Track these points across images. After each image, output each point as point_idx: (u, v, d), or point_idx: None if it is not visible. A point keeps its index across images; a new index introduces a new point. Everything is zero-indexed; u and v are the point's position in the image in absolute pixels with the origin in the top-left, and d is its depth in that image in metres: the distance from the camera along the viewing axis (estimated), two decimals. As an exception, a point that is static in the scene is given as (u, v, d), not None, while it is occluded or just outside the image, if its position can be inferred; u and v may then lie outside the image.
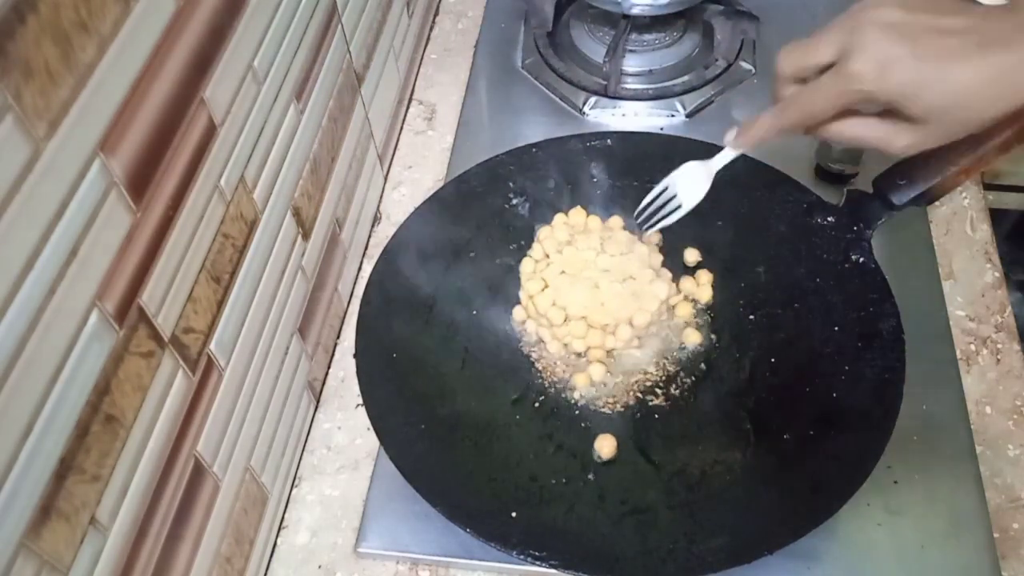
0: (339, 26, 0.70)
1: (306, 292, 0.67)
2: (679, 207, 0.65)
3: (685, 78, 0.92)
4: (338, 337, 0.77)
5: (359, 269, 0.81)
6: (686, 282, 0.73)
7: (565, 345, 0.70)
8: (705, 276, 0.74)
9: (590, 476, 0.63)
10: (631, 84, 0.92)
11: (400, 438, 0.61)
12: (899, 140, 0.49)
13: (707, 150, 0.75)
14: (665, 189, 0.66)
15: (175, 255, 0.47)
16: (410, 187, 0.88)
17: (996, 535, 0.62)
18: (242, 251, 0.55)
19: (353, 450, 0.70)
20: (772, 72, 0.53)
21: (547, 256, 0.74)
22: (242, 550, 0.60)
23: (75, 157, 0.38)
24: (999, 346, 0.73)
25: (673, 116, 0.90)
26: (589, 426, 0.67)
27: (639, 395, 0.68)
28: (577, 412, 0.67)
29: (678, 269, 0.75)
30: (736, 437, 0.65)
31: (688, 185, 0.64)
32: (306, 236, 0.66)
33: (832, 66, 0.49)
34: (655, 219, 0.67)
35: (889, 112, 0.49)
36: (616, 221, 0.76)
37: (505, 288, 0.74)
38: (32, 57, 0.34)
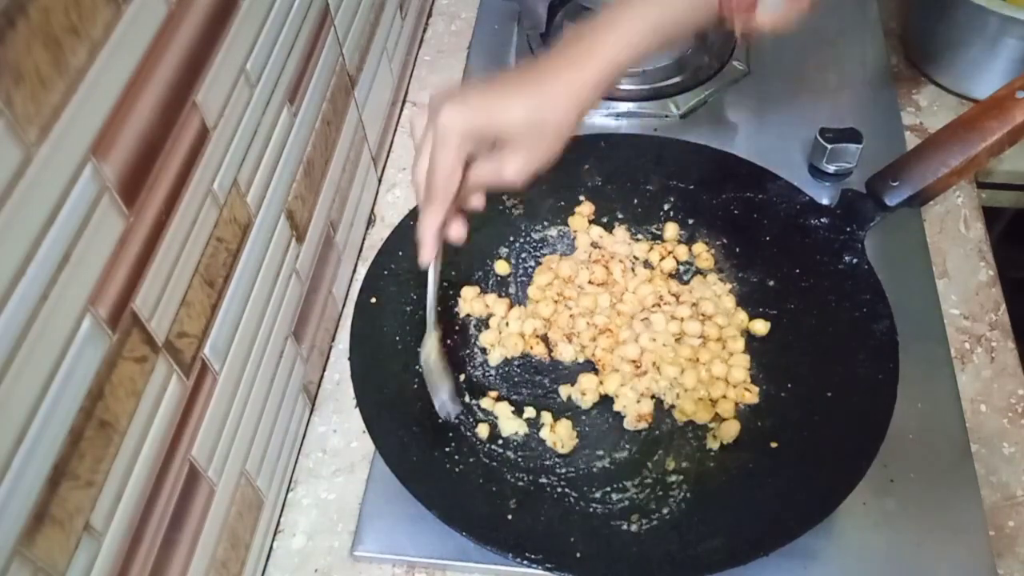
0: (332, 28, 0.70)
1: (300, 295, 0.67)
2: None
3: (678, 79, 0.92)
4: (333, 340, 0.77)
5: (354, 271, 0.81)
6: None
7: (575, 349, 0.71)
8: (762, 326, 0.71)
9: (586, 478, 0.63)
10: (624, 84, 0.92)
11: (395, 441, 0.61)
12: (508, 166, 0.54)
13: (700, 151, 0.76)
14: None
15: (168, 259, 0.47)
16: (404, 189, 0.88)
17: (992, 533, 0.62)
18: (236, 255, 0.55)
19: (348, 453, 0.70)
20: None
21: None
22: (238, 554, 0.60)
23: (67, 162, 0.38)
24: (993, 344, 0.73)
25: (667, 117, 0.90)
26: (588, 427, 0.67)
27: (635, 396, 0.68)
28: (575, 412, 0.67)
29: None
30: (732, 437, 0.65)
31: None
32: (300, 239, 0.66)
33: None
34: None
35: (496, 149, 0.54)
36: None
37: (498, 290, 0.74)
38: (23, 62, 0.34)
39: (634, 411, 0.65)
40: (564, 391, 0.68)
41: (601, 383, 0.67)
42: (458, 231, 0.58)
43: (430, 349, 0.64)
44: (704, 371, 0.67)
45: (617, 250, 0.75)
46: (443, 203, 0.55)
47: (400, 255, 0.71)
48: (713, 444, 0.65)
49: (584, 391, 0.67)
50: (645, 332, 0.69)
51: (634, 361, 0.68)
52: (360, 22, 0.77)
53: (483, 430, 0.66)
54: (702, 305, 0.71)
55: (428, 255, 0.58)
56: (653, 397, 0.67)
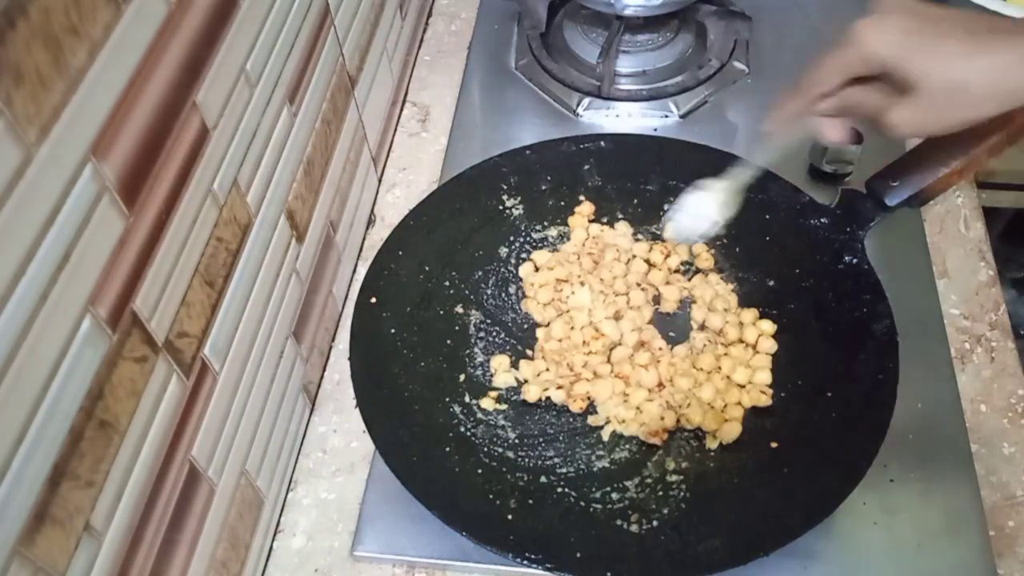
0: (332, 28, 0.70)
1: (300, 295, 0.67)
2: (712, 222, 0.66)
3: (678, 79, 0.92)
4: (333, 340, 0.77)
5: (354, 271, 0.81)
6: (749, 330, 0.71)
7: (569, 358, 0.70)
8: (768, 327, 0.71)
9: (586, 478, 0.63)
10: (625, 85, 0.92)
11: (395, 441, 0.61)
12: (895, 112, 0.50)
13: (701, 152, 0.76)
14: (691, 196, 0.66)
15: (168, 259, 0.47)
16: (404, 189, 0.88)
17: (992, 533, 0.62)
18: (236, 255, 0.55)
19: (348, 453, 0.70)
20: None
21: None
22: (238, 554, 0.60)
23: (67, 162, 0.38)
24: (993, 344, 0.73)
25: (667, 117, 0.90)
26: (587, 427, 0.67)
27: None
28: (574, 413, 0.67)
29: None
30: (732, 439, 0.65)
31: (711, 204, 0.65)
32: (300, 239, 0.66)
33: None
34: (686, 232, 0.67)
35: (890, 86, 0.50)
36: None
37: (499, 289, 0.74)
38: (23, 62, 0.34)
39: (658, 426, 0.65)
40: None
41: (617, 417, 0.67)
42: (832, 130, 0.55)
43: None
44: (720, 379, 0.67)
45: (619, 243, 0.75)
46: (802, 97, 0.53)
47: (400, 255, 0.71)
48: (712, 444, 0.65)
49: (603, 420, 0.66)
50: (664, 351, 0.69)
51: (657, 385, 0.67)
52: (360, 22, 0.77)
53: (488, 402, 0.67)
54: (714, 303, 0.71)
55: (771, 124, 0.56)
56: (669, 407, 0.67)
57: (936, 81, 0.47)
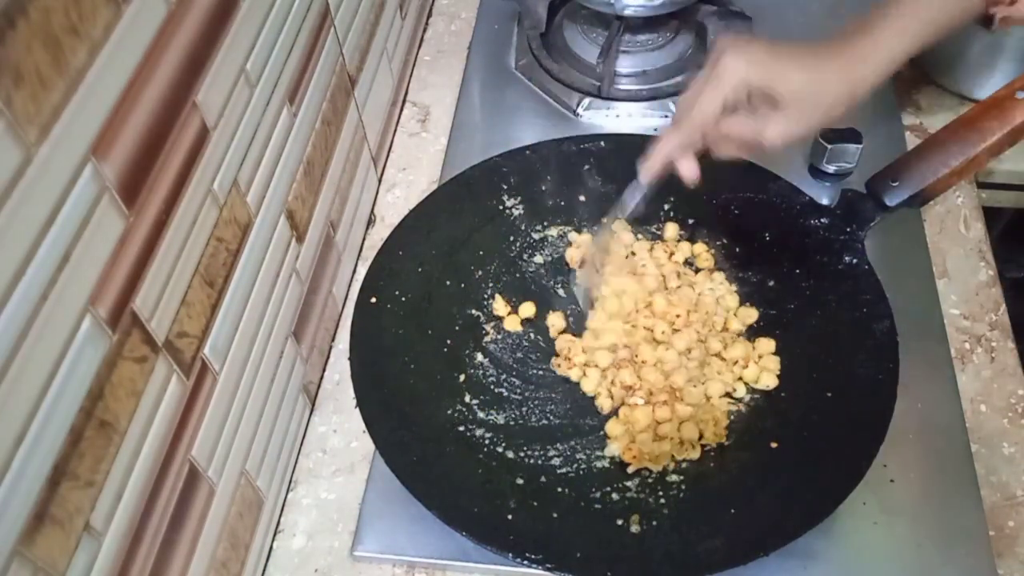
0: (332, 28, 0.70)
1: (300, 295, 0.67)
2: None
3: (678, 79, 0.92)
4: (333, 340, 0.77)
5: (354, 271, 0.81)
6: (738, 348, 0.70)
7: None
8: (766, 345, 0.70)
9: (586, 478, 0.63)
10: (624, 85, 0.92)
11: (395, 441, 0.61)
12: (770, 128, 0.57)
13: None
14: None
15: (168, 259, 0.47)
16: (404, 189, 0.88)
17: (992, 533, 0.62)
18: (236, 255, 0.55)
19: (348, 453, 0.70)
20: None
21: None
22: (238, 554, 0.60)
23: (67, 162, 0.38)
24: (993, 344, 0.73)
25: (667, 117, 0.90)
26: (587, 427, 0.67)
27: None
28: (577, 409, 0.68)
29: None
30: (732, 439, 0.65)
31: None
32: (300, 239, 0.66)
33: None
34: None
35: (760, 108, 0.57)
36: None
37: (498, 290, 0.74)
38: (23, 62, 0.34)
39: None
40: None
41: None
42: (689, 168, 0.60)
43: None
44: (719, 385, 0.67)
45: (623, 238, 0.76)
46: (688, 130, 0.58)
47: (400, 255, 0.71)
48: (712, 443, 0.65)
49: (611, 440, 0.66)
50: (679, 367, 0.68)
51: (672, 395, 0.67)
52: (360, 22, 0.77)
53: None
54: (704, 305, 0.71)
55: (649, 173, 0.61)
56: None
57: (798, 92, 0.56)
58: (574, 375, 0.69)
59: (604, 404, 0.67)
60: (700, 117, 0.57)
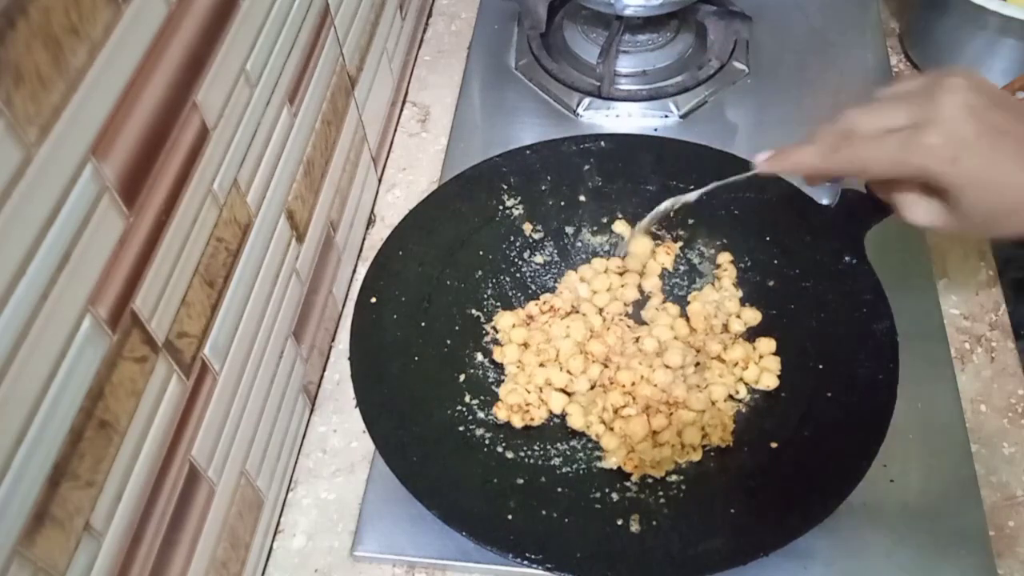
0: (332, 28, 0.70)
1: (300, 295, 0.67)
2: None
3: (679, 79, 0.92)
4: (333, 340, 0.77)
5: (354, 271, 0.81)
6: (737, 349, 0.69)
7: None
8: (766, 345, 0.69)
9: (586, 478, 0.63)
10: (624, 85, 0.92)
11: (395, 441, 0.61)
12: (919, 210, 0.50)
13: (701, 152, 0.76)
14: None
15: (168, 260, 0.47)
16: (404, 189, 0.88)
17: (992, 533, 0.62)
18: (236, 255, 0.55)
19: (348, 453, 0.70)
20: (830, 118, 0.52)
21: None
22: (238, 555, 0.60)
23: (67, 162, 0.38)
24: (993, 344, 0.73)
25: (667, 117, 0.90)
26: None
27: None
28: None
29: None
30: (732, 439, 0.65)
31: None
32: (300, 239, 0.66)
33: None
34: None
35: (928, 188, 0.48)
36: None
37: (498, 290, 0.74)
38: (23, 62, 0.34)
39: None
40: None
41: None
42: (827, 194, 0.53)
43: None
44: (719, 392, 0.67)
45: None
46: (835, 166, 0.50)
47: (400, 255, 0.71)
48: (713, 444, 0.65)
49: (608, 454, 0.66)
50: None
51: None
52: (360, 22, 0.77)
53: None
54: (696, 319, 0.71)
55: (766, 165, 0.54)
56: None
57: (990, 207, 0.45)
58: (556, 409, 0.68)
59: (598, 431, 0.66)
60: (860, 167, 0.48)
